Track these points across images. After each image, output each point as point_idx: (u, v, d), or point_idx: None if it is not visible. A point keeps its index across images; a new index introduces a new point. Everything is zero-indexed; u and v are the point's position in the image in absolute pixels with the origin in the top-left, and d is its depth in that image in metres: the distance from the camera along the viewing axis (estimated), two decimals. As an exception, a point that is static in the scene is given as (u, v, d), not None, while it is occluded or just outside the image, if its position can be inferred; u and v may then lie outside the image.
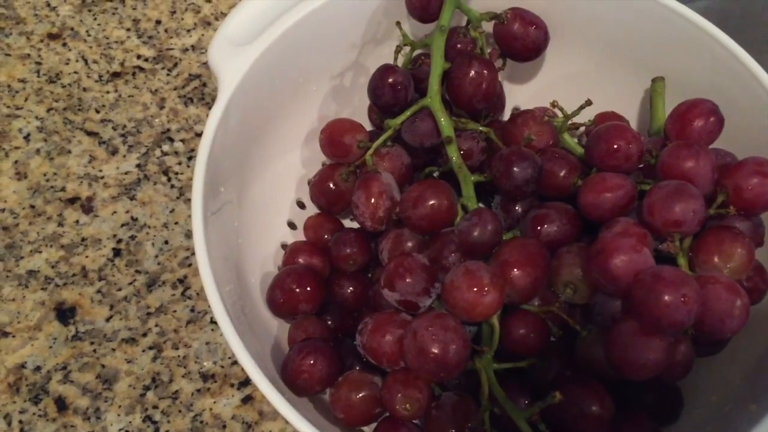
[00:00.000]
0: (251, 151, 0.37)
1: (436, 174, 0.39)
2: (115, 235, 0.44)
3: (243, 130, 0.36)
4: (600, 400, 0.30)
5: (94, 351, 0.41)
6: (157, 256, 0.44)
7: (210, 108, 0.33)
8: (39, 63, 0.50)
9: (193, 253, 0.32)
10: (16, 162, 0.46)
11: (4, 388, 0.39)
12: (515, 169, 0.34)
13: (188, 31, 0.53)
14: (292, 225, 0.42)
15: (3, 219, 0.44)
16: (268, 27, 0.35)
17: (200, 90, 0.50)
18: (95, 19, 0.53)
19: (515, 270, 0.31)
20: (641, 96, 0.40)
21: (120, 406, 0.39)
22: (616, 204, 0.32)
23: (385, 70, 0.37)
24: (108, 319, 0.42)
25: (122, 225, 0.45)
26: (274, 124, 0.38)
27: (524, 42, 0.37)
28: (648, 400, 0.33)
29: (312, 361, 0.33)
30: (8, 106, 0.48)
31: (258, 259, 0.38)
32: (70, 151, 0.47)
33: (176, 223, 0.45)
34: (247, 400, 0.40)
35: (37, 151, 0.47)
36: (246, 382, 0.40)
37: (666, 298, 0.27)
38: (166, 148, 0.48)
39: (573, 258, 0.32)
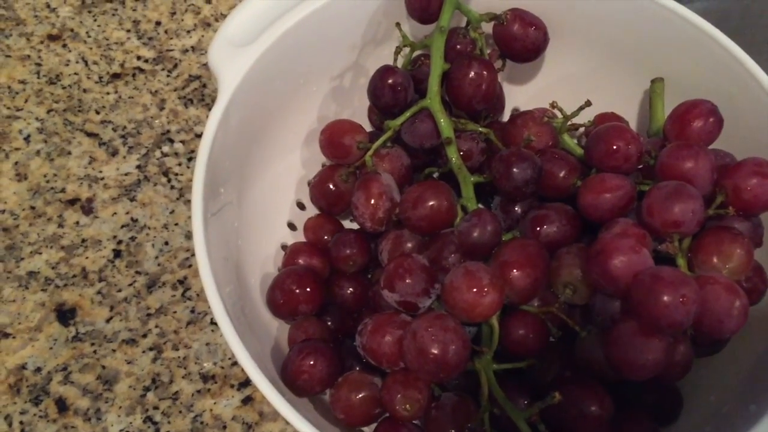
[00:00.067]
0: (251, 152, 0.37)
1: (435, 175, 0.39)
2: (115, 236, 0.44)
3: (243, 131, 0.36)
4: (599, 401, 0.30)
5: (95, 352, 0.41)
6: (157, 257, 0.44)
7: (210, 109, 0.33)
8: (39, 64, 0.50)
9: (193, 254, 0.32)
10: (16, 163, 0.46)
11: (5, 389, 0.39)
12: (515, 169, 0.34)
13: (188, 32, 0.53)
14: (292, 226, 0.42)
15: (3, 220, 0.44)
16: (268, 28, 0.35)
17: (200, 91, 0.50)
18: (95, 20, 0.53)
19: (515, 271, 0.31)
20: (640, 97, 0.40)
21: (120, 407, 0.39)
22: (616, 205, 0.32)
23: (384, 71, 0.37)
24: (108, 320, 0.42)
25: (122, 226, 0.45)
26: (274, 125, 0.38)
27: (524, 43, 0.38)
28: (647, 401, 0.33)
29: (312, 362, 0.33)
30: (8, 108, 0.48)
31: (258, 260, 0.38)
32: (70, 153, 0.47)
33: (176, 224, 0.45)
34: (248, 400, 0.40)
35: (38, 152, 0.47)
36: (246, 382, 0.40)
37: (665, 298, 0.27)
38: (166, 149, 0.48)
39: (572, 259, 0.32)
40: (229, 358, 0.41)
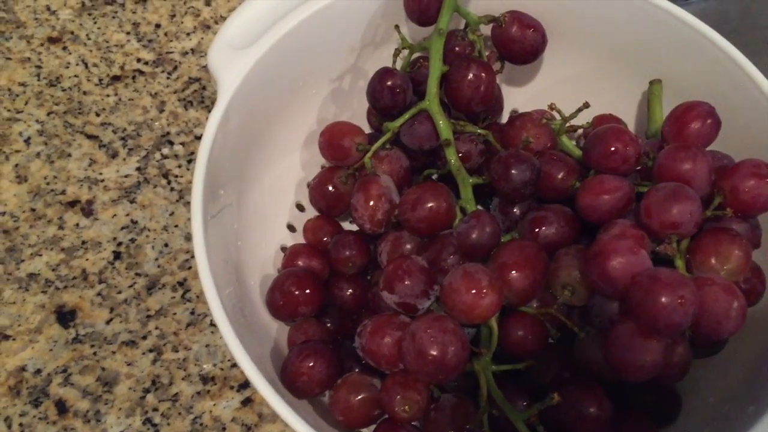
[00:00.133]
0: (251, 154, 0.37)
1: (434, 176, 0.39)
2: (115, 238, 0.44)
3: (242, 133, 0.36)
4: (598, 402, 0.30)
5: (95, 354, 0.41)
6: (157, 259, 0.44)
7: (210, 111, 0.34)
8: (39, 67, 0.50)
9: (193, 256, 0.32)
10: (16, 165, 0.46)
11: (5, 390, 0.39)
12: (513, 171, 0.34)
13: (188, 34, 0.53)
14: (291, 228, 0.42)
15: (3, 222, 0.44)
16: (267, 30, 0.35)
17: (200, 93, 0.50)
18: (95, 22, 0.53)
19: (513, 272, 0.31)
20: (639, 98, 0.40)
21: (120, 409, 0.39)
22: (614, 206, 0.32)
23: (383, 74, 0.37)
24: (108, 322, 0.42)
25: (122, 228, 0.45)
26: (274, 128, 0.39)
27: (522, 45, 0.38)
28: (646, 402, 0.33)
29: (311, 364, 0.33)
30: (9, 110, 0.48)
31: (257, 262, 0.38)
32: (70, 155, 0.47)
33: (176, 226, 0.45)
34: (247, 402, 0.40)
35: (38, 154, 0.47)
36: (245, 384, 0.40)
37: (663, 299, 0.27)
38: (165, 151, 0.48)
39: (571, 260, 0.32)
40: (229, 360, 0.41)
